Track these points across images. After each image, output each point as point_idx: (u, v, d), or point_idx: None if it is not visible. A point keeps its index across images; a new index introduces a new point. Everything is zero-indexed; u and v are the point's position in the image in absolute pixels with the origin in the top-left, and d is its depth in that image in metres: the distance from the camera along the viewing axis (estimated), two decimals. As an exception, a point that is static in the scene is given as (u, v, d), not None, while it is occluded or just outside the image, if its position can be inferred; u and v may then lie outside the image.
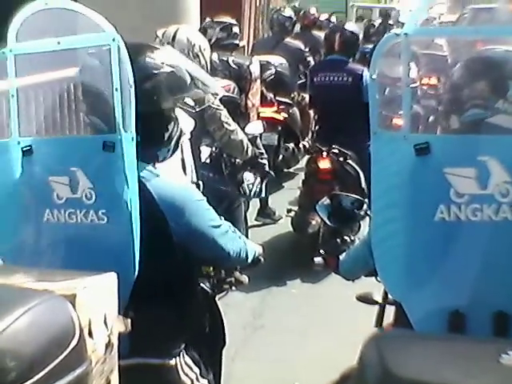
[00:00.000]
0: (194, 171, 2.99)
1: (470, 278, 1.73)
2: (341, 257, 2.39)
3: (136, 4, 6.02)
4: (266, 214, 6.22)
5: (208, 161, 4.11)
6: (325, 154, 5.28)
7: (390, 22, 12.91)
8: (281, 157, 7.12)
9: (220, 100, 3.73)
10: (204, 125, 3.75)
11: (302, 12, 10.08)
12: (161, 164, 2.08)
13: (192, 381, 2.15)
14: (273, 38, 8.20)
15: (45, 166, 1.98)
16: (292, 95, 7.42)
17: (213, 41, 5.01)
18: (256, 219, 6.11)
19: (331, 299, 4.51)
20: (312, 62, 7.63)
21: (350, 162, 5.26)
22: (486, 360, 1.27)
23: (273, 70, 6.63)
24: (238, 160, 4.34)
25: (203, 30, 5.10)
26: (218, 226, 2.12)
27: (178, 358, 2.11)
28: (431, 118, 2.03)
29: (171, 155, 2.14)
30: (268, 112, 6.63)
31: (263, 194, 4.99)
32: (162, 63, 2.04)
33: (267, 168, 5.03)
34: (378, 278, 1.96)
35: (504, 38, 1.90)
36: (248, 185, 4.36)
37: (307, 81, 6.30)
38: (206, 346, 2.27)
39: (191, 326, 2.16)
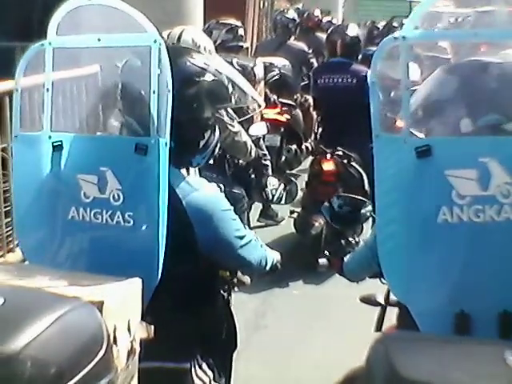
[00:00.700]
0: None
1: (475, 278, 1.74)
2: (345, 258, 2.40)
3: (141, 6, 6.01)
4: (268, 216, 6.21)
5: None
6: (329, 155, 5.27)
7: (395, 24, 12.83)
8: (283, 158, 7.11)
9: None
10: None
11: (305, 14, 10.09)
12: (192, 170, 2.03)
13: None
14: (276, 40, 8.20)
15: (74, 162, 1.94)
16: (295, 97, 7.42)
17: (218, 42, 5.02)
18: (258, 220, 6.10)
19: (333, 301, 4.51)
20: (315, 64, 7.62)
21: (353, 164, 5.25)
22: (492, 362, 1.26)
23: (276, 72, 6.62)
24: (241, 161, 4.35)
25: (208, 32, 5.09)
26: (243, 237, 2.09)
27: (192, 362, 2.08)
28: (435, 121, 2.03)
29: (206, 162, 2.10)
30: (271, 114, 6.62)
31: (283, 201, 4.95)
32: (205, 70, 2.00)
33: (270, 171, 5.04)
34: (383, 280, 1.97)
35: (504, 41, 1.90)
36: (272, 190, 4.33)
37: (310, 82, 6.30)
38: (220, 350, 2.24)
39: (209, 333, 2.14)
